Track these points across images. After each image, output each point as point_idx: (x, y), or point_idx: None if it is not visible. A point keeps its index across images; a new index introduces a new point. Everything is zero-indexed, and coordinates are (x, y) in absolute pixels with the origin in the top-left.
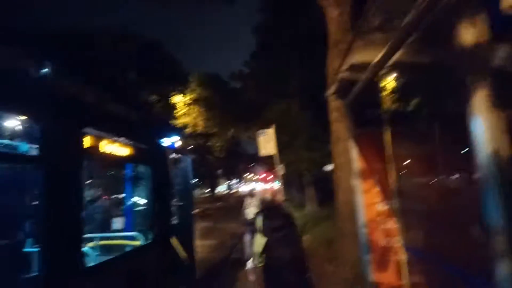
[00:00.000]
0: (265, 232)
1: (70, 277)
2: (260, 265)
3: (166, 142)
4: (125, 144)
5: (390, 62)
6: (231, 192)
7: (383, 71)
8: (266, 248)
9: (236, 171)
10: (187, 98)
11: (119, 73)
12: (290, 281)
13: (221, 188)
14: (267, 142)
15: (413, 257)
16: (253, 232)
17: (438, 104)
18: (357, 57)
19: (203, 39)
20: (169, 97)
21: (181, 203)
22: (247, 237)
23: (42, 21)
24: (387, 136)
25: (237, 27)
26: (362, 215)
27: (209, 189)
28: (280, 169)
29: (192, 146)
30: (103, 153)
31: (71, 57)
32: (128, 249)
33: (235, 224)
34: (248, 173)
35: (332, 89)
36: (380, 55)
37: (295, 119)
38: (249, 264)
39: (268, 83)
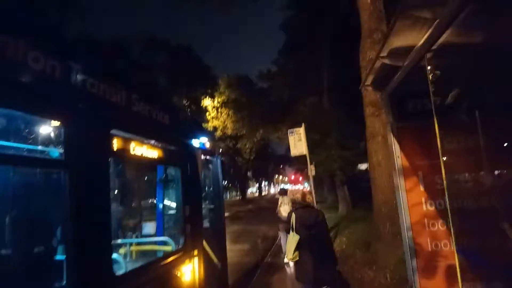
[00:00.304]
0: (297, 230)
1: (98, 287)
2: (294, 260)
3: (196, 143)
4: (155, 146)
5: (437, 44)
6: (262, 194)
7: (429, 55)
8: (299, 244)
9: (266, 173)
10: (216, 101)
11: (150, 78)
12: (321, 276)
13: (252, 191)
14: (297, 141)
15: (466, 262)
16: (288, 229)
17: (485, 95)
18: (399, 41)
19: (230, 41)
20: (199, 101)
21: (212, 206)
22: (282, 235)
23: (75, 26)
24: (435, 130)
25: (263, 26)
26: (407, 216)
27: (239, 191)
28: (311, 170)
29: (222, 149)
30: (132, 155)
31: (103, 62)
32: (159, 254)
33: (267, 226)
34: (278, 175)
35: (369, 79)
36: (426, 36)
37: (326, 116)
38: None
39: (298, 79)
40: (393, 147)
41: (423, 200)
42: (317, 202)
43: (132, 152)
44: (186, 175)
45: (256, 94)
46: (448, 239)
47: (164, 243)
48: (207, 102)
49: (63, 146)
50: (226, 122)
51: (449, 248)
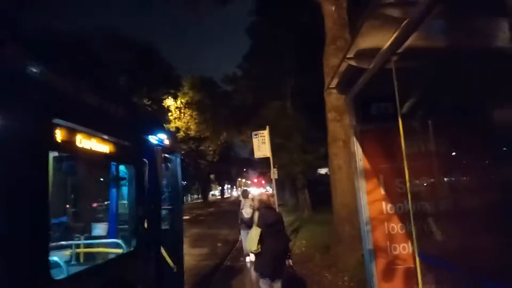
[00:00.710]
0: (260, 226)
1: None
2: (257, 251)
3: (153, 139)
4: (106, 140)
5: (403, 47)
6: (224, 196)
7: (394, 58)
8: (261, 238)
9: (229, 176)
10: (179, 101)
11: (111, 75)
12: (278, 266)
13: (214, 193)
14: (261, 144)
15: (426, 265)
16: (249, 227)
17: (439, 103)
18: (366, 42)
19: (196, 42)
20: (161, 101)
21: (169, 207)
22: (243, 234)
23: (34, 22)
24: (400, 133)
25: (229, 29)
26: (367, 219)
27: (201, 194)
28: (273, 173)
29: (184, 151)
30: (79, 149)
31: (62, 59)
32: (109, 257)
33: (227, 230)
34: (241, 178)
35: (333, 82)
36: (393, 37)
37: (289, 120)
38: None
39: (262, 84)
40: (355, 149)
41: (383, 203)
42: (278, 205)
43: (79, 146)
44: (141, 173)
45: (221, 97)
46: (407, 243)
47: (114, 245)
48: (169, 102)
49: None
50: (189, 123)
51: (407, 252)
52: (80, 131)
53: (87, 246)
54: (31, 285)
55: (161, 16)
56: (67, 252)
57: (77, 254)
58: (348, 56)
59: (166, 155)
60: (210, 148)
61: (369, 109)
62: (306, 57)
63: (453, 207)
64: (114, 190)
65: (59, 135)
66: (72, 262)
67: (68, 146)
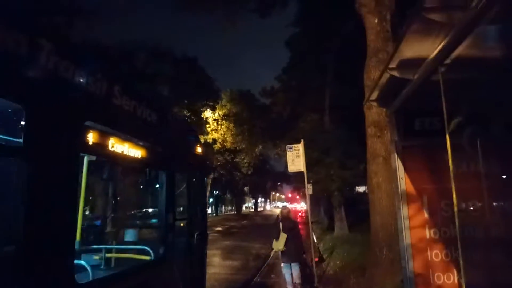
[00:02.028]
0: (284, 231)
1: None
2: (282, 250)
3: (186, 146)
4: (139, 145)
5: (452, 56)
6: (257, 210)
7: (441, 69)
8: (286, 241)
9: (263, 189)
10: (217, 113)
11: (152, 86)
12: (295, 256)
13: (247, 205)
14: (295, 158)
15: None
16: (278, 233)
17: (489, 122)
18: (410, 51)
19: (235, 55)
20: (200, 113)
21: (192, 219)
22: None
23: (82, 37)
24: (447, 151)
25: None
26: (408, 244)
27: (235, 206)
28: (308, 189)
29: (220, 162)
30: (110, 152)
31: (107, 67)
32: (136, 263)
33: (260, 244)
34: (275, 192)
35: (374, 95)
36: (440, 46)
37: (326, 134)
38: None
39: (300, 97)
40: (397, 167)
41: (426, 227)
42: (312, 222)
43: (110, 149)
44: (173, 181)
45: (258, 110)
46: (452, 272)
47: (142, 251)
48: (207, 114)
49: (24, 133)
50: (225, 135)
51: (452, 282)
52: (112, 135)
53: (118, 251)
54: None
55: (201, 29)
56: (97, 257)
57: (107, 259)
58: (390, 66)
59: (199, 164)
60: (245, 160)
61: (413, 124)
62: (346, 69)
63: (504, 235)
64: (147, 197)
65: (92, 137)
66: (101, 267)
67: (99, 149)
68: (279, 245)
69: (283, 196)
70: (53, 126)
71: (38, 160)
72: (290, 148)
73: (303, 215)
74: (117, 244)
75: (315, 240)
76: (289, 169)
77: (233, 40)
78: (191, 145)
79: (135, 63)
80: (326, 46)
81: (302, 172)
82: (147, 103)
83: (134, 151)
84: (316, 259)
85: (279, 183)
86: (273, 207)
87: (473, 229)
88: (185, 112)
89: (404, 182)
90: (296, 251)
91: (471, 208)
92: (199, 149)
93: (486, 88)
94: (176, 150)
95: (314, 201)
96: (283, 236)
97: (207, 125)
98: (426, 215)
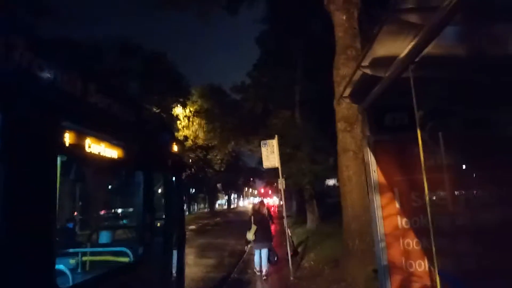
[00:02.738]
0: (255, 223)
1: None
2: (253, 239)
3: (165, 145)
4: (114, 144)
5: (421, 55)
6: (231, 206)
7: (411, 67)
8: (255, 231)
9: (236, 185)
10: (188, 110)
11: (121, 82)
12: (264, 243)
13: (220, 203)
14: (270, 154)
15: (444, 283)
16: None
17: (449, 116)
18: (382, 49)
19: (205, 50)
20: (171, 109)
21: (172, 217)
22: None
23: (49, 31)
24: (418, 144)
25: (240, 38)
26: (381, 234)
27: (208, 203)
28: (281, 183)
29: (192, 160)
30: (87, 153)
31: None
32: (114, 266)
33: (234, 240)
34: (248, 188)
35: (347, 91)
36: (410, 46)
37: (298, 130)
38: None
39: (271, 93)
40: (369, 161)
41: (398, 217)
42: (287, 217)
43: (87, 150)
44: (149, 180)
45: (229, 106)
46: (423, 259)
47: (121, 253)
48: (178, 110)
49: (1, 136)
50: (197, 132)
51: (423, 269)
52: (89, 135)
53: (95, 254)
54: None
55: (170, 24)
56: (73, 260)
57: (83, 262)
58: (363, 64)
59: (173, 162)
60: (218, 157)
61: (383, 119)
62: (315, 66)
63: (469, 223)
64: (122, 197)
65: (68, 138)
66: (78, 270)
67: (77, 150)
68: (250, 235)
69: (255, 192)
70: (30, 127)
71: (16, 163)
72: (265, 144)
73: (276, 209)
74: (91, 247)
75: (289, 234)
76: (264, 165)
77: (205, 38)
78: (167, 143)
79: (104, 59)
80: (295, 43)
81: (275, 168)
82: (122, 101)
83: (110, 151)
84: (291, 253)
85: (251, 179)
86: (247, 203)
87: (441, 218)
88: (154, 109)
89: (376, 175)
90: (264, 239)
91: (438, 198)
92: (175, 147)
93: (449, 85)
94: (153, 148)
95: (287, 195)
96: (253, 228)
97: (178, 122)
98: (397, 206)
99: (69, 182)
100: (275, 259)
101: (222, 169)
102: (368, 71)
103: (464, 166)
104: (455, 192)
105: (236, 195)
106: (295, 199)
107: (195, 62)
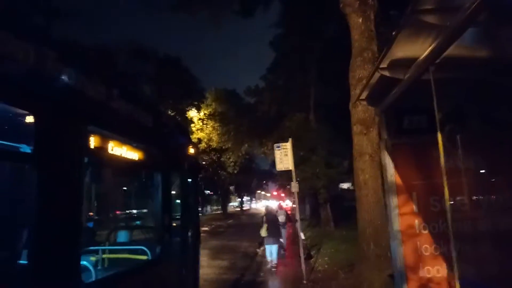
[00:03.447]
0: (267, 223)
1: None
2: (265, 236)
3: (183, 150)
4: (135, 147)
5: (442, 56)
6: (243, 209)
7: (431, 69)
8: (267, 229)
9: (249, 188)
10: (203, 113)
11: (136, 87)
12: (275, 240)
13: (233, 205)
14: (283, 156)
15: None
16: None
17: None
18: (401, 51)
19: (220, 54)
20: (185, 112)
21: (188, 217)
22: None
23: (61, 36)
24: (440, 148)
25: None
26: (398, 239)
27: (221, 205)
28: (294, 187)
29: (206, 162)
30: (111, 156)
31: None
32: (133, 263)
33: (247, 242)
34: (261, 190)
35: (364, 94)
36: (431, 47)
37: (312, 133)
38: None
39: (285, 96)
40: (387, 164)
41: (416, 221)
42: (301, 219)
43: (111, 153)
44: (166, 182)
45: (243, 109)
46: (441, 265)
47: (139, 252)
48: (192, 113)
49: (34, 141)
50: (211, 135)
51: (441, 275)
52: (112, 139)
53: (114, 252)
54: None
55: (185, 29)
56: (94, 258)
57: (103, 259)
58: (381, 66)
59: (192, 165)
60: (231, 160)
61: (401, 122)
62: (329, 69)
63: (491, 228)
64: (141, 198)
65: (94, 141)
66: (99, 267)
67: (101, 152)
68: (263, 232)
69: (268, 194)
70: (60, 132)
71: (47, 166)
72: (278, 146)
73: (289, 212)
74: (110, 245)
75: (303, 237)
76: (277, 168)
77: (218, 41)
78: (184, 146)
79: (118, 63)
80: (309, 46)
81: (289, 171)
82: (143, 106)
83: (132, 154)
84: (305, 257)
85: (264, 182)
86: (260, 205)
87: (461, 224)
88: (169, 112)
89: (393, 179)
90: (274, 236)
91: (459, 203)
92: (191, 150)
93: (467, 86)
94: (170, 151)
95: (300, 199)
96: (265, 226)
97: (192, 125)
98: (416, 210)
99: (89, 182)
100: (282, 252)
101: (236, 171)
102: (386, 73)
103: (483, 170)
104: (475, 197)
105: (248, 197)
106: (308, 202)
107: (210, 67)
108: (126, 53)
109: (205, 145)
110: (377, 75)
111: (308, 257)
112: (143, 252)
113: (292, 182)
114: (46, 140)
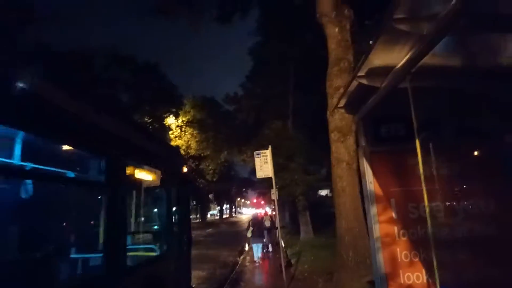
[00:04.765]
0: (252, 227)
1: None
2: (250, 236)
3: (177, 168)
4: (150, 172)
5: (418, 65)
6: (223, 217)
7: (409, 77)
8: (252, 232)
9: (228, 196)
10: (181, 120)
11: (112, 93)
12: (259, 241)
13: (212, 213)
14: (263, 164)
15: None
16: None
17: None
18: (379, 59)
19: (198, 61)
20: (163, 119)
21: (183, 224)
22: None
23: (38, 39)
24: (418, 155)
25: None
26: (378, 246)
27: (200, 214)
28: (274, 194)
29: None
30: (140, 181)
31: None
32: (146, 258)
33: (227, 251)
34: (240, 198)
35: (341, 102)
36: (408, 55)
37: (290, 140)
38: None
39: (264, 103)
40: (365, 172)
41: (395, 228)
42: (281, 227)
43: (136, 178)
44: (173, 197)
45: (222, 116)
46: (421, 272)
47: (149, 250)
48: (170, 120)
49: (105, 174)
50: (189, 142)
51: (421, 281)
52: (137, 167)
53: (132, 250)
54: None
55: (163, 35)
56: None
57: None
58: (359, 74)
59: (184, 180)
60: (210, 167)
61: (379, 129)
62: (308, 76)
63: (468, 234)
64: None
65: (128, 171)
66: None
67: (132, 177)
68: (249, 233)
69: (248, 202)
70: (119, 167)
71: (113, 191)
72: (258, 154)
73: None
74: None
75: (283, 245)
76: (257, 175)
77: (197, 48)
78: (180, 166)
79: (94, 68)
80: (287, 55)
81: (268, 178)
82: (155, 140)
83: (148, 176)
84: (285, 265)
85: (244, 189)
86: (238, 213)
87: (438, 230)
88: (146, 119)
89: (372, 186)
90: (259, 237)
91: (435, 209)
92: (185, 169)
93: (442, 95)
94: (173, 172)
95: (279, 206)
96: (250, 229)
97: (170, 132)
98: (394, 216)
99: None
100: (268, 249)
101: (215, 179)
102: (364, 81)
103: (457, 177)
104: (449, 203)
105: (228, 206)
106: (287, 209)
107: (188, 74)
108: (104, 58)
109: (184, 153)
110: (355, 83)
111: (288, 265)
112: (153, 250)
113: (272, 189)
114: (115, 175)
